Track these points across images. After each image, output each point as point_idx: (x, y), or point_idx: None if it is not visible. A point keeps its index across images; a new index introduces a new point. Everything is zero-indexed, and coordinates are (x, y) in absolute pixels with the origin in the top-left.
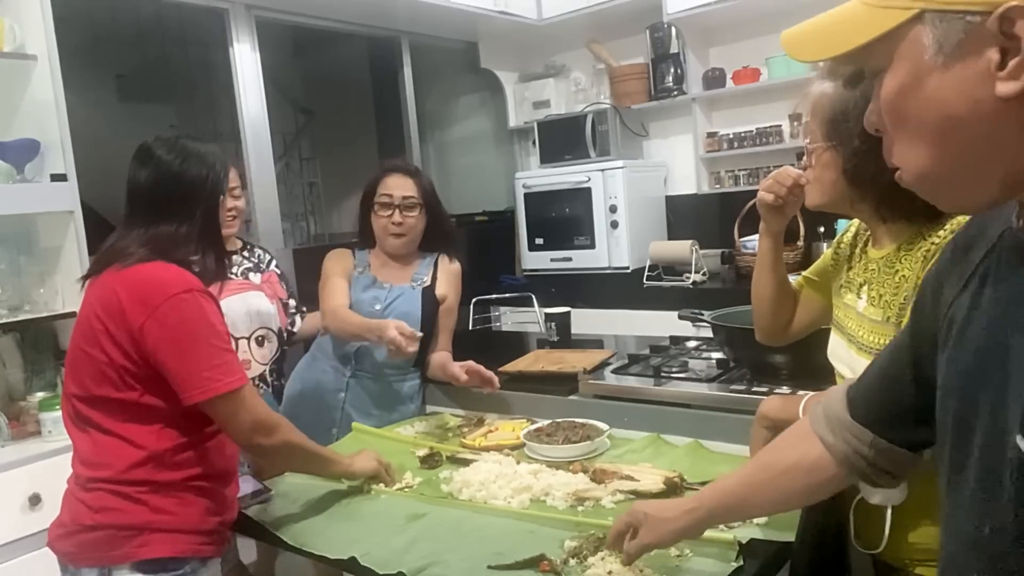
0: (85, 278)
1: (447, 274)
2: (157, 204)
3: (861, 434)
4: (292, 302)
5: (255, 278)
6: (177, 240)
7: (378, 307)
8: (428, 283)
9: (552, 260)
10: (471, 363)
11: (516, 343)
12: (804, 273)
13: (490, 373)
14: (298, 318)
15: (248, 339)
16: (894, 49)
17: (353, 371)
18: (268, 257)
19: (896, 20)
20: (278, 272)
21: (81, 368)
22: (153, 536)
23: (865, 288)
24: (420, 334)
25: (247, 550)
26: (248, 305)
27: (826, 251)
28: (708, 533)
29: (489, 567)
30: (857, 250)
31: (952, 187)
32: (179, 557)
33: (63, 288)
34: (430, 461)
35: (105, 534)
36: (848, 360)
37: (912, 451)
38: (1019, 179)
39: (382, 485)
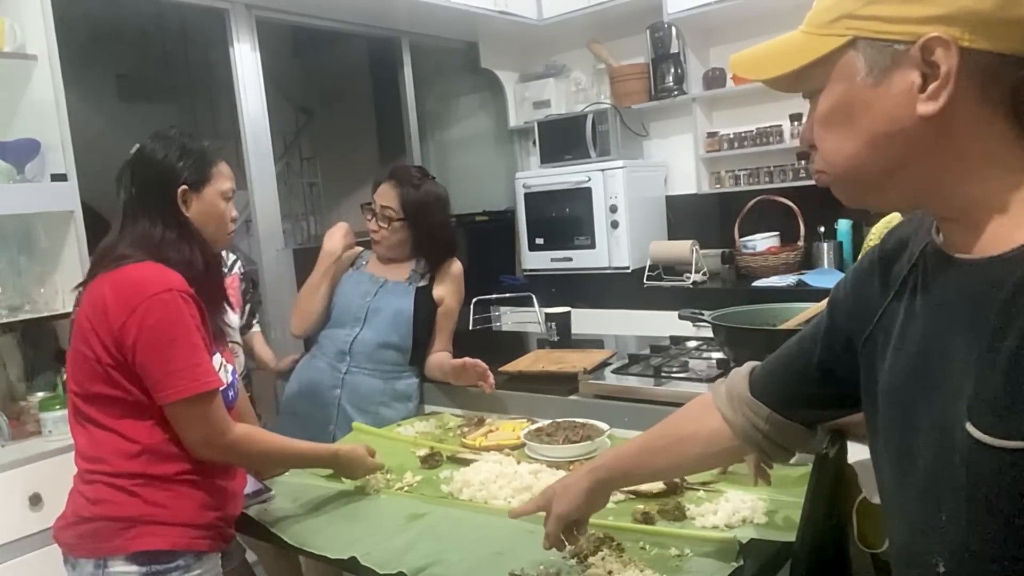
0: (82, 284)
1: (446, 276)
2: (131, 196)
3: (759, 409)
4: (235, 318)
5: None
6: (154, 236)
7: (368, 298)
8: (425, 283)
9: (552, 260)
10: (467, 360)
11: (516, 343)
12: None
13: (485, 366)
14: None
15: None
16: (829, 71)
17: (348, 367)
18: (232, 258)
19: (832, 45)
20: (241, 273)
21: (77, 366)
22: (146, 528)
23: None
24: (359, 247)
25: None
26: None
27: None
28: (708, 533)
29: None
30: None
31: (869, 189)
32: (172, 550)
33: (63, 288)
34: (430, 461)
35: (101, 525)
36: None
37: (807, 427)
38: (930, 187)
39: (382, 484)
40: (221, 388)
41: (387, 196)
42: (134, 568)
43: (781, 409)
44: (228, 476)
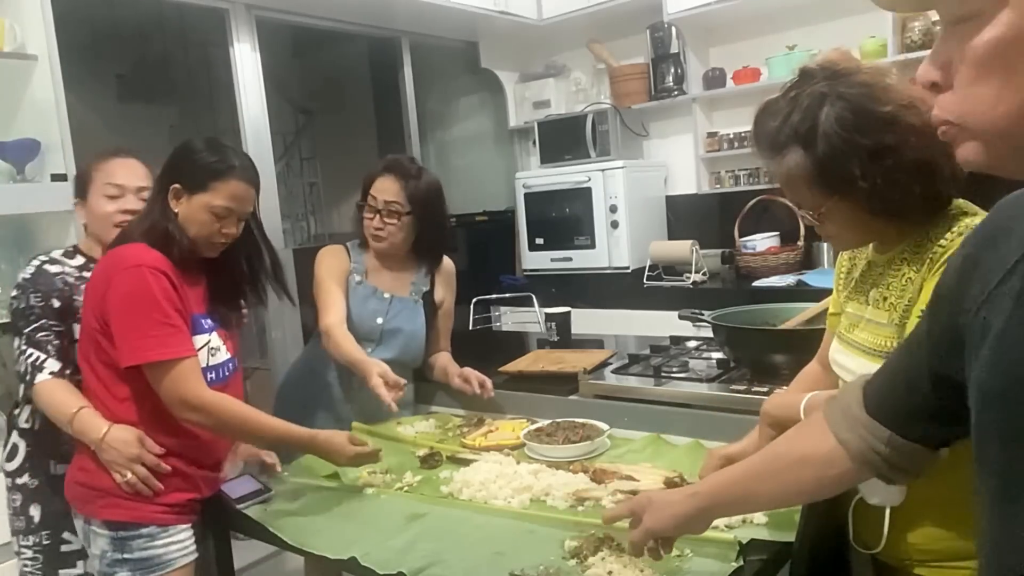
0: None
1: (444, 276)
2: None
3: (878, 431)
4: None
5: None
6: (150, 216)
7: (380, 320)
8: (427, 288)
9: (552, 260)
10: (466, 370)
11: (516, 343)
12: (829, 312)
13: (481, 377)
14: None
15: None
16: None
17: (359, 383)
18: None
19: None
20: None
21: (82, 336)
22: (115, 500)
23: (872, 292)
24: (405, 382)
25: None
26: None
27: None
28: (708, 533)
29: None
30: (859, 260)
31: (1020, 149)
32: (136, 522)
33: None
34: (430, 461)
35: (84, 491)
36: (857, 368)
37: (932, 448)
38: None
39: (381, 484)
40: (185, 357)
41: (390, 191)
42: (106, 532)
43: (901, 429)
44: (201, 463)
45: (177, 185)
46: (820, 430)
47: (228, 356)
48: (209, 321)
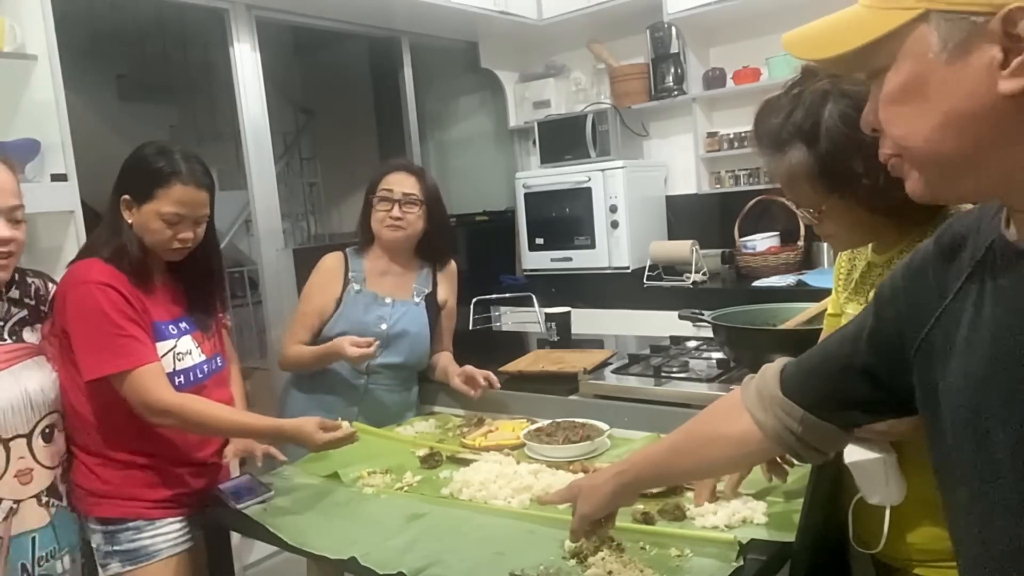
0: None
1: (446, 276)
2: None
3: (791, 410)
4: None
5: (32, 335)
6: (103, 231)
7: (384, 327)
8: (429, 291)
9: (552, 260)
10: (467, 369)
11: (516, 343)
12: (828, 312)
13: (484, 373)
14: None
15: (28, 438)
16: (897, 49)
17: (367, 386)
18: (52, 287)
19: (900, 20)
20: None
21: (60, 348)
22: (103, 500)
23: (872, 292)
24: (377, 342)
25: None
26: (18, 387)
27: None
28: (708, 533)
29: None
30: (858, 261)
31: (947, 175)
32: (123, 518)
33: None
34: (430, 461)
35: (80, 492)
36: None
37: (844, 429)
38: (1013, 175)
39: (381, 484)
40: (144, 364)
41: (407, 183)
42: (99, 527)
43: (816, 410)
44: (182, 462)
45: (127, 196)
46: (735, 410)
47: (203, 358)
48: (183, 325)
